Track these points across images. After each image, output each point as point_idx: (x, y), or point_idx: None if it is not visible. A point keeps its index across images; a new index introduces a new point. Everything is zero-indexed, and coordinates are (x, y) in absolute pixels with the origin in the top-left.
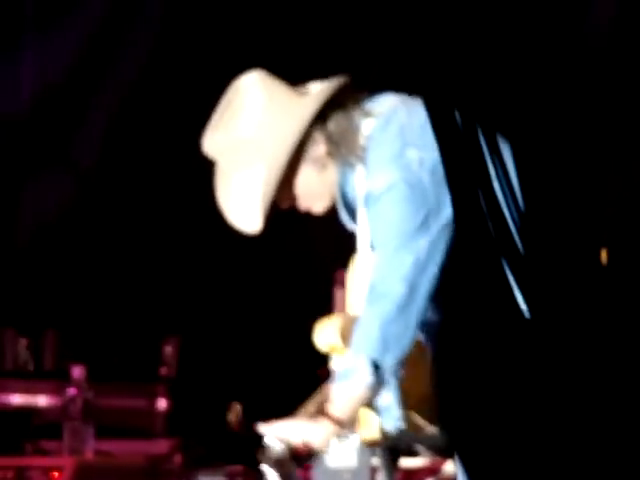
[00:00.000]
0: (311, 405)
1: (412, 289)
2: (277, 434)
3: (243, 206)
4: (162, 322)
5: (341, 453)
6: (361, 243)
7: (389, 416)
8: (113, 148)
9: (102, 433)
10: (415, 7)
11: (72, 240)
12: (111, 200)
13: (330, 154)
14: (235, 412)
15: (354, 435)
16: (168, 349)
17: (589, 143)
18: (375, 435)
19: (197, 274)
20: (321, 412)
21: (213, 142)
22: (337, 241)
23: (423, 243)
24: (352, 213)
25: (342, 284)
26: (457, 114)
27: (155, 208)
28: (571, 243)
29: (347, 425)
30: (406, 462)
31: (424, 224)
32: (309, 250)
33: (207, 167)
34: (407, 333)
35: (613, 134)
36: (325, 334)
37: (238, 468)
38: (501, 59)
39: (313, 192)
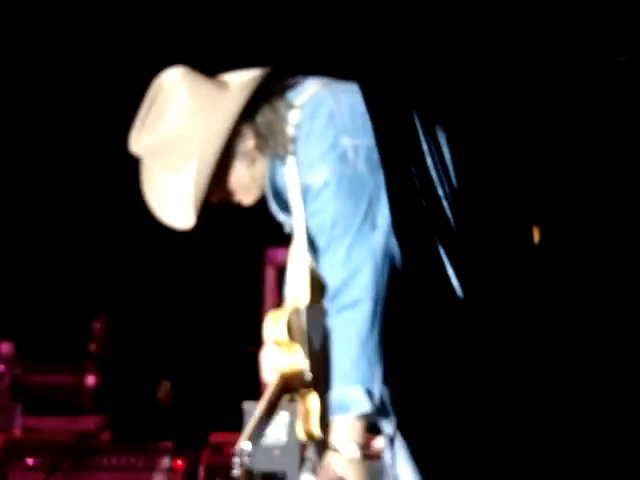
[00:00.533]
0: (261, 402)
1: (377, 296)
2: None
3: (174, 205)
4: (91, 299)
5: (271, 430)
6: (297, 233)
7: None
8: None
9: (30, 410)
10: None
11: None
12: (39, 178)
13: (259, 148)
14: (164, 389)
15: (283, 413)
16: (97, 326)
17: (521, 121)
18: (315, 430)
19: (126, 250)
20: (330, 447)
21: (140, 142)
22: (267, 219)
23: (377, 240)
24: (282, 204)
25: (272, 262)
26: (392, 97)
27: (82, 186)
28: (503, 221)
29: (361, 447)
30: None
31: (368, 215)
32: (239, 227)
33: (127, 149)
34: (381, 340)
35: (544, 111)
36: (273, 328)
37: (167, 444)
38: (436, 43)
39: (244, 186)
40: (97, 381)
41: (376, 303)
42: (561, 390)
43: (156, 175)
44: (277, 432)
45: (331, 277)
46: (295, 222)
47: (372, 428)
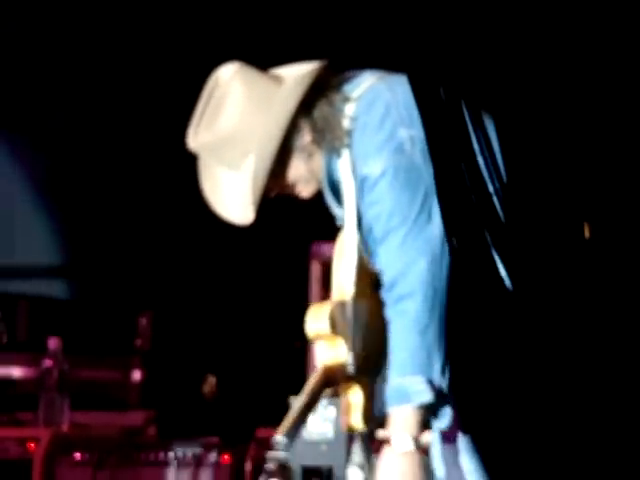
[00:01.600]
0: (303, 394)
1: (435, 287)
2: None
3: (233, 200)
4: (136, 295)
5: (317, 425)
6: (348, 225)
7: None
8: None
9: (77, 405)
10: None
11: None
12: (91, 178)
13: (316, 141)
14: (209, 384)
15: (330, 407)
16: (143, 321)
17: (573, 119)
18: (357, 424)
19: (172, 245)
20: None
21: (198, 139)
22: (312, 215)
23: (435, 232)
24: (338, 197)
25: (317, 257)
26: (441, 90)
27: (133, 187)
28: (554, 217)
29: (417, 440)
30: (382, 433)
31: (424, 207)
32: (284, 223)
33: (182, 147)
34: (442, 331)
35: (594, 111)
36: (315, 322)
37: (213, 439)
38: (485, 37)
39: (302, 180)
40: (143, 376)
41: (434, 293)
42: (615, 385)
43: (214, 172)
44: (324, 427)
45: (387, 268)
46: (346, 214)
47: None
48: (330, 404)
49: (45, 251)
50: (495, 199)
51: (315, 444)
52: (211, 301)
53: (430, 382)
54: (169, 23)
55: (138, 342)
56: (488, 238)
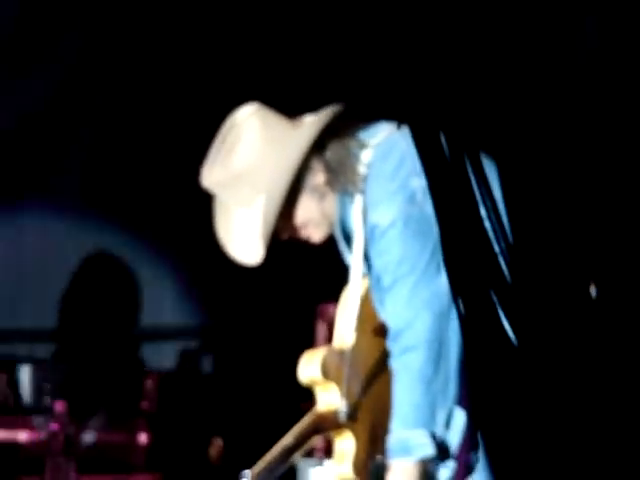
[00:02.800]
0: (290, 436)
1: (441, 339)
2: None
3: (244, 238)
4: (142, 357)
5: None
6: (354, 273)
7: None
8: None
9: (83, 468)
10: (398, 35)
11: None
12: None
13: (329, 183)
14: (216, 447)
15: (329, 464)
16: (149, 383)
17: (577, 174)
18: (349, 474)
19: (177, 305)
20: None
21: (212, 176)
22: (319, 275)
23: (443, 285)
24: (350, 243)
25: (324, 318)
26: (443, 143)
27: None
28: (560, 277)
29: None
30: None
31: (433, 259)
32: (291, 283)
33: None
34: (449, 384)
35: (600, 164)
36: (307, 367)
37: None
38: (485, 81)
39: (313, 222)
40: (149, 439)
41: (440, 346)
42: (618, 442)
43: (227, 209)
44: None
45: (394, 317)
46: (353, 261)
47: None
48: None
49: (50, 314)
50: (501, 259)
51: None
52: (217, 363)
53: (433, 436)
54: (189, 61)
55: (144, 404)
56: (494, 298)
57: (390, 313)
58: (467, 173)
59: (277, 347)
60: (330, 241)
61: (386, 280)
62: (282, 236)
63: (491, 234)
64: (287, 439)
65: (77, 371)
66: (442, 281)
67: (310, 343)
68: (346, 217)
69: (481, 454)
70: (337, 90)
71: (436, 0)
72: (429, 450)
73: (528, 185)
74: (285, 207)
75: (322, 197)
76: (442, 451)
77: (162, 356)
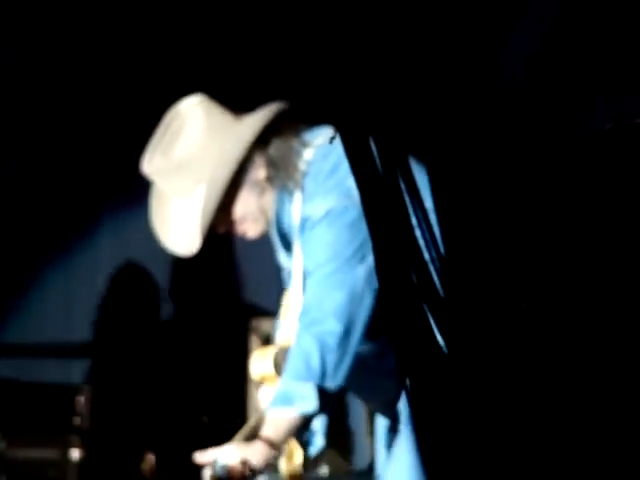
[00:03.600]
0: (244, 431)
1: (349, 324)
2: (216, 458)
3: (181, 229)
4: (74, 373)
5: None
6: (295, 273)
7: (312, 442)
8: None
9: None
10: (330, 38)
11: None
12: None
13: (269, 179)
14: (148, 462)
15: (281, 468)
16: (81, 400)
17: (509, 189)
18: (298, 469)
19: (110, 322)
20: (256, 436)
21: (152, 164)
22: (252, 290)
23: (360, 272)
24: (286, 244)
25: (257, 332)
26: (374, 148)
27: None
28: (491, 286)
29: (281, 449)
30: None
31: (360, 251)
32: (224, 299)
33: None
34: (345, 361)
35: (531, 179)
36: (259, 364)
37: None
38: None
39: (251, 216)
40: (82, 455)
41: (348, 327)
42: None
43: (165, 199)
44: None
45: (307, 296)
46: (294, 261)
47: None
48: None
49: None
50: (431, 267)
51: None
52: (150, 378)
53: (320, 391)
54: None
55: (76, 420)
56: (425, 306)
57: (306, 294)
58: (398, 181)
59: (210, 362)
60: (264, 258)
61: (309, 265)
62: (218, 229)
63: (422, 242)
64: (238, 436)
65: (8, 387)
66: (361, 271)
67: (243, 358)
68: (282, 215)
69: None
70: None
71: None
72: (314, 403)
73: (459, 194)
74: (224, 200)
75: (262, 192)
76: (324, 410)
77: (93, 371)
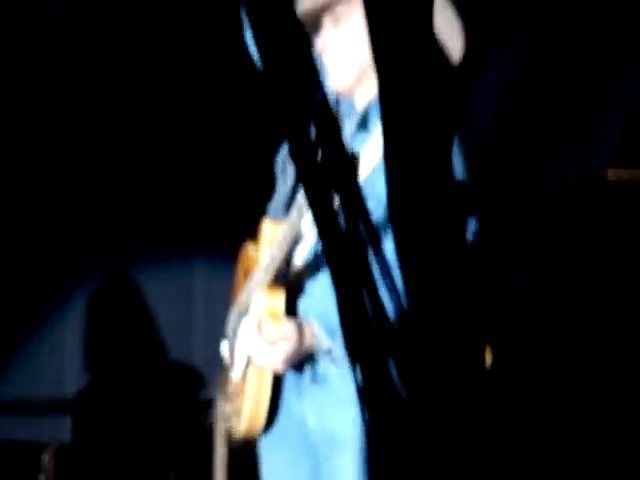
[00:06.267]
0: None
1: None
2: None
3: None
4: (40, 431)
5: None
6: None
7: None
8: None
9: None
10: None
11: None
12: None
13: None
14: None
15: None
16: (46, 457)
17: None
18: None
19: (69, 379)
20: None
21: None
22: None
23: None
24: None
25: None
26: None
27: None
28: (453, 340)
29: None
30: None
31: None
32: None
33: None
34: None
35: None
36: (275, 301)
37: None
38: None
39: (342, 56)
40: None
41: None
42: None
43: None
44: None
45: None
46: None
47: None
48: None
49: None
50: (394, 317)
51: None
52: (116, 436)
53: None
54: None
55: (42, 478)
56: (389, 358)
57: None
58: (360, 237)
59: (176, 419)
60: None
61: None
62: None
63: (385, 294)
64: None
65: None
66: None
67: (206, 409)
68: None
69: None
70: None
71: None
72: (336, 349)
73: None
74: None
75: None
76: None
77: (59, 428)
